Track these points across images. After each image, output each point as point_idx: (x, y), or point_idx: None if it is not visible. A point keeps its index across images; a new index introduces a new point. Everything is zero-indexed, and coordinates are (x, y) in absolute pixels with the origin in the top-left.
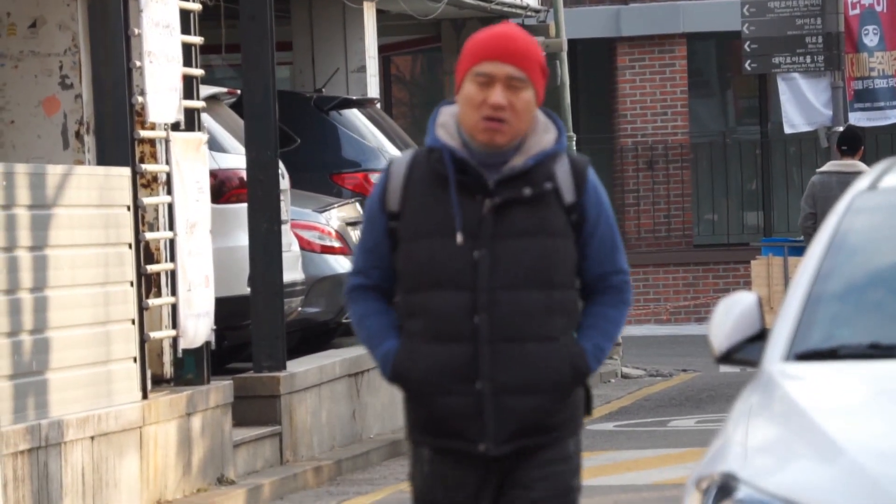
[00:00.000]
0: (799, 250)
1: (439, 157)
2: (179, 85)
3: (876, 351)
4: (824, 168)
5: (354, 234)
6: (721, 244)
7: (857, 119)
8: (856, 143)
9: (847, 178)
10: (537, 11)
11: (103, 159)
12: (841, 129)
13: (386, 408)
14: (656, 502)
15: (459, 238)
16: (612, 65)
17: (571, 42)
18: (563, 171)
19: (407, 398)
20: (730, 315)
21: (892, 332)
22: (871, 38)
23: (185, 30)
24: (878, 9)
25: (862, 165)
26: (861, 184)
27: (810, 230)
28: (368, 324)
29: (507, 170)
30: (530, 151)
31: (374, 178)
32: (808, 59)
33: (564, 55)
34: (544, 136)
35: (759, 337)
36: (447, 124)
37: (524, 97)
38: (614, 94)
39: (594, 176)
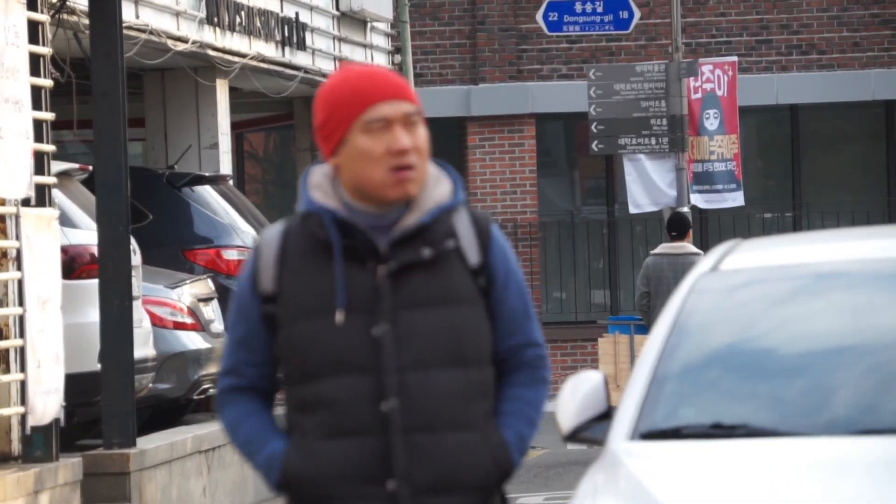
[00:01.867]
0: (644, 328)
1: (319, 222)
2: (30, 161)
3: (718, 430)
4: (657, 250)
5: (206, 311)
6: (569, 322)
7: (697, 201)
8: (683, 228)
9: (677, 260)
10: None
11: None
12: (686, 209)
13: (237, 485)
14: None
15: (339, 316)
16: (462, 143)
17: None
18: (463, 227)
19: None
20: (576, 394)
21: (734, 412)
22: (711, 121)
23: (37, 105)
24: (719, 93)
25: (691, 247)
26: (704, 265)
27: (645, 308)
28: (244, 428)
29: (399, 230)
30: (424, 206)
31: (227, 254)
32: (654, 141)
33: None
34: (437, 187)
35: (605, 416)
36: (322, 185)
37: (423, 134)
38: (465, 172)
39: (499, 233)
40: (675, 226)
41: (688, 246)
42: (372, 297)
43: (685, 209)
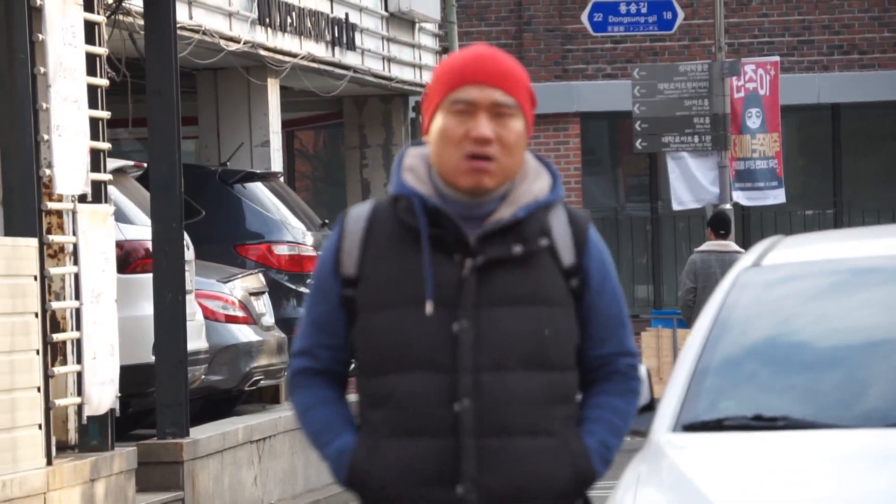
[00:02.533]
0: (685, 323)
1: (408, 207)
2: (87, 158)
3: (759, 422)
4: (703, 247)
5: (257, 305)
6: None
7: (739, 198)
8: (728, 226)
9: (724, 257)
10: None
11: (11, 230)
12: (728, 206)
13: (287, 474)
14: None
15: (429, 307)
16: None
17: None
18: (560, 226)
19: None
20: None
21: (774, 405)
22: (753, 120)
23: (93, 104)
24: (762, 92)
25: (735, 245)
26: (745, 261)
27: (690, 303)
28: (315, 416)
29: (491, 223)
30: (520, 201)
31: (278, 249)
32: (696, 139)
33: None
34: (535, 182)
35: (649, 407)
36: (416, 168)
37: (514, 128)
38: None
39: (596, 235)
40: (722, 224)
41: (732, 244)
42: (455, 292)
43: (727, 206)
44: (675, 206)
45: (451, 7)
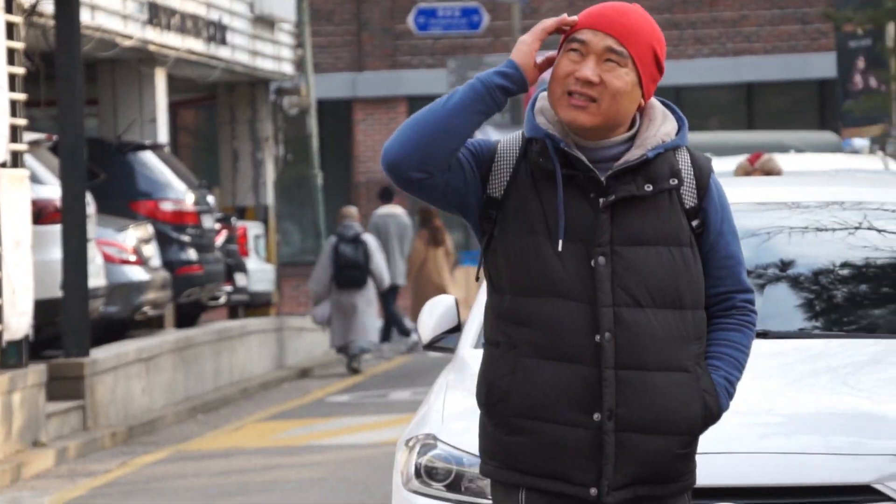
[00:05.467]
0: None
1: (542, 149)
2: (7, 132)
3: None
4: (379, 212)
5: (146, 250)
6: None
7: None
8: (391, 196)
9: (395, 219)
10: (292, 76)
11: None
12: None
13: (170, 385)
14: (377, 458)
15: (561, 245)
16: (350, 119)
17: (319, 101)
18: (684, 168)
19: (496, 424)
20: (434, 313)
21: None
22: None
23: (12, 88)
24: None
25: (400, 209)
26: None
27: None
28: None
29: (621, 163)
30: (647, 143)
31: (163, 205)
32: (499, 116)
33: (313, 111)
34: (663, 126)
35: (456, 329)
36: (546, 110)
37: (622, 75)
38: (352, 143)
39: (717, 179)
40: (387, 194)
41: (398, 208)
42: (590, 229)
43: None
44: None
45: (304, 11)
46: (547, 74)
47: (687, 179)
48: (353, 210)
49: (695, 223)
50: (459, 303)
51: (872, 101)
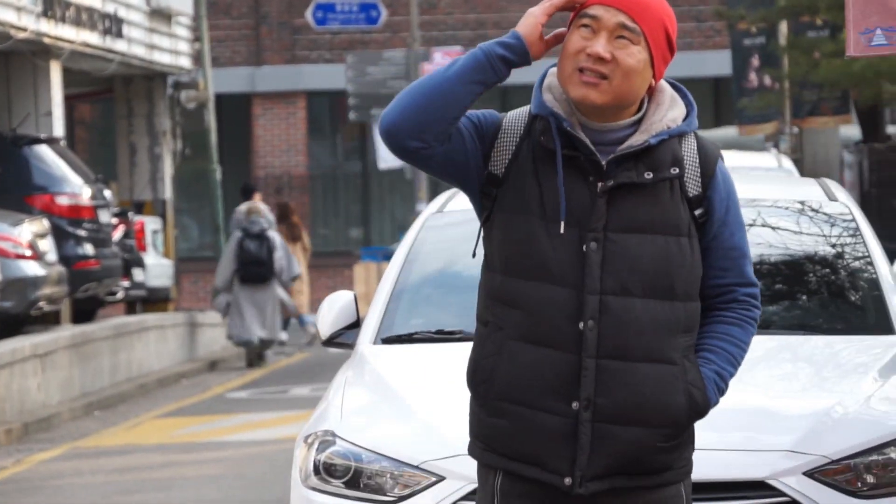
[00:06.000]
0: (390, 257)
1: (545, 128)
2: None
3: (441, 336)
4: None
5: (42, 244)
6: (332, 252)
7: None
8: (251, 192)
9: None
10: (190, 70)
11: None
12: None
13: (66, 381)
14: (276, 454)
15: (562, 227)
16: (248, 114)
17: (217, 95)
18: (689, 156)
19: (480, 405)
20: (333, 308)
21: (453, 322)
22: None
23: None
24: None
25: (263, 205)
26: (432, 208)
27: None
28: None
29: (623, 148)
30: (652, 129)
31: (59, 199)
32: None
33: (211, 106)
34: (670, 111)
35: (355, 325)
36: (554, 87)
37: (634, 53)
38: (251, 137)
39: (725, 168)
40: (247, 191)
41: (259, 204)
42: (586, 213)
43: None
44: (381, 165)
45: (201, 3)
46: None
47: (691, 167)
48: (260, 206)
49: (698, 212)
50: (359, 298)
51: (766, 99)
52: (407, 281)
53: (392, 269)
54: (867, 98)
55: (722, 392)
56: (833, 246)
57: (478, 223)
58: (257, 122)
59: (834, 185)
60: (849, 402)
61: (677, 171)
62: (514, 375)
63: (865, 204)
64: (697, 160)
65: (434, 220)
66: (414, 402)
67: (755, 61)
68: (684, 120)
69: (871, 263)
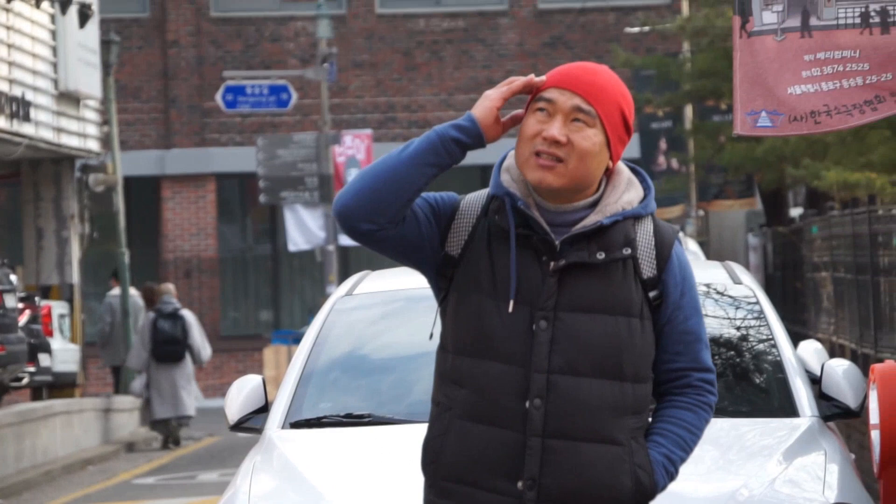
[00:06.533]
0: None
1: (500, 207)
2: None
3: (350, 419)
4: (113, 292)
5: None
6: (242, 336)
7: (343, 240)
8: (118, 276)
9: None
10: (98, 153)
11: None
12: (331, 248)
13: None
14: None
15: (511, 306)
16: (158, 196)
17: (126, 178)
18: (645, 238)
19: (429, 486)
20: (241, 392)
21: (362, 405)
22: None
23: None
24: (359, 157)
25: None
26: (341, 290)
27: (107, 333)
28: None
29: (577, 229)
30: (607, 210)
31: None
32: (307, 194)
33: (120, 189)
34: (626, 193)
35: (264, 409)
36: (512, 168)
37: (590, 136)
38: (159, 220)
39: (681, 250)
40: (115, 274)
41: (170, 285)
42: (536, 291)
43: (331, 248)
44: (291, 248)
45: (110, 87)
46: None
47: (646, 249)
48: (170, 286)
49: (652, 294)
50: (269, 382)
51: (673, 183)
52: (316, 364)
53: (301, 352)
54: (770, 182)
55: (672, 476)
56: (738, 329)
57: (383, 307)
58: (166, 205)
59: (738, 269)
60: (754, 484)
61: (629, 251)
62: (460, 454)
63: (770, 286)
64: (653, 242)
65: (343, 302)
66: (323, 487)
67: (663, 144)
68: (641, 202)
69: (775, 346)
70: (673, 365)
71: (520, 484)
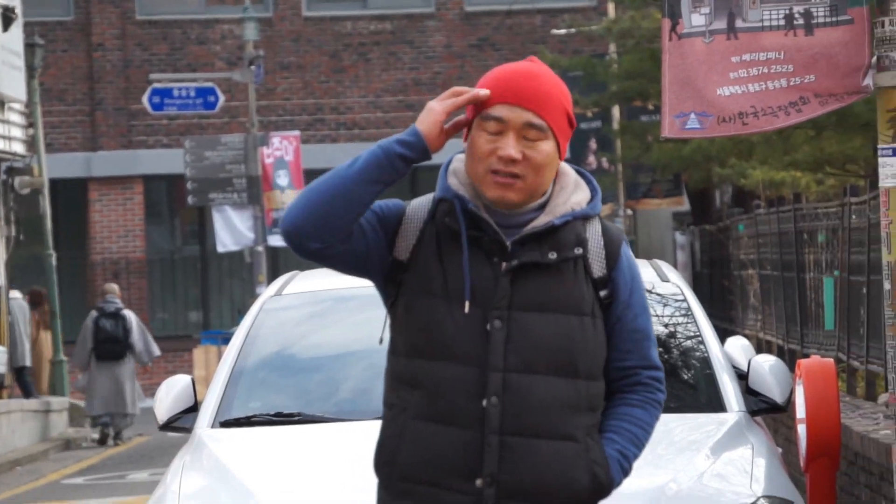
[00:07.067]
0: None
1: (450, 210)
2: None
3: (280, 418)
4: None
5: None
6: (171, 336)
7: (272, 241)
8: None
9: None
10: (24, 156)
11: None
12: (260, 248)
13: None
14: None
15: (467, 307)
16: (85, 199)
17: (52, 181)
18: (594, 238)
19: (384, 487)
20: (170, 392)
21: (291, 404)
22: (282, 179)
23: None
24: (288, 158)
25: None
26: (270, 291)
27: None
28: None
29: (528, 229)
30: (557, 211)
31: None
32: (236, 196)
33: (46, 191)
34: (574, 195)
35: (193, 409)
36: (459, 172)
37: (543, 149)
38: (87, 222)
39: (629, 250)
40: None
41: (16, 292)
42: (489, 292)
43: (260, 248)
44: (220, 249)
45: (35, 91)
46: None
47: (596, 249)
48: (114, 286)
49: (603, 293)
50: (199, 382)
51: (602, 182)
52: (245, 364)
53: (230, 352)
54: (698, 181)
55: (626, 472)
56: (665, 326)
57: (312, 307)
58: (93, 207)
59: (666, 266)
60: (682, 479)
61: (581, 251)
62: (417, 455)
63: (697, 284)
64: (602, 242)
65: (272, 302)
66: (253, 485)
67: (593, 144)
68: (588, 203)
69: (702, 343)
70: (623, 363)
71: (479, 481)
